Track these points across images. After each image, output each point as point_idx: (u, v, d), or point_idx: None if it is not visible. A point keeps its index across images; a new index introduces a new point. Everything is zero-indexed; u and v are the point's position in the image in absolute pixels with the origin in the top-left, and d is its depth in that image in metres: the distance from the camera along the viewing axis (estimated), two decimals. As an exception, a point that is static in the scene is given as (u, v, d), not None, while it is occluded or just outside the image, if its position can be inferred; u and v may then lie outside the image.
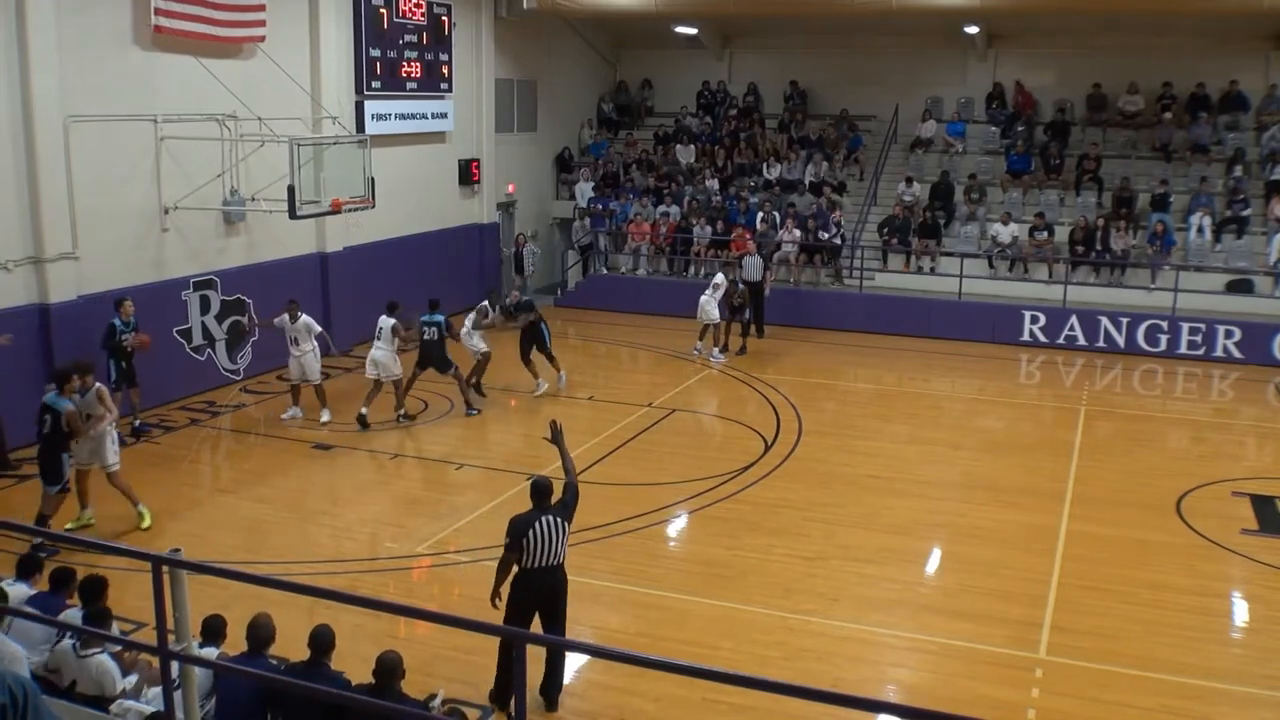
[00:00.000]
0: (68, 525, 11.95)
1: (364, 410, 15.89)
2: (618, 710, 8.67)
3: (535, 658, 8.20)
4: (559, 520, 8.40)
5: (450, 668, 9.02)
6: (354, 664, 7.20)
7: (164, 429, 15.61)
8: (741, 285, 20.51)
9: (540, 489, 8.52)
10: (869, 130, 26.96)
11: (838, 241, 23.55)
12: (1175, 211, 22.69)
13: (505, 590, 8.42)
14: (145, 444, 15.04)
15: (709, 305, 19.92)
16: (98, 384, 12.08)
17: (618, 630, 9.92)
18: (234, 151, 17.16)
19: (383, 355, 15.91)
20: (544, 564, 8.33)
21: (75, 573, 7.93)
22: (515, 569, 8.38)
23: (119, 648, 7.09)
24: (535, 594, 8.37)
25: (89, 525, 12.16)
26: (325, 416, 16.00)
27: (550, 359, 17.59)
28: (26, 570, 8.14)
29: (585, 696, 8.86)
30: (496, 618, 8.20)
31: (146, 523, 12.20)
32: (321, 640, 6.99)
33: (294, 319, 15.75)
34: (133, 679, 7.16)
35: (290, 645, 7.67)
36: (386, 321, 15.99)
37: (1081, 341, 21.21)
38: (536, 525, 8.28)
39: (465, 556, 11.51)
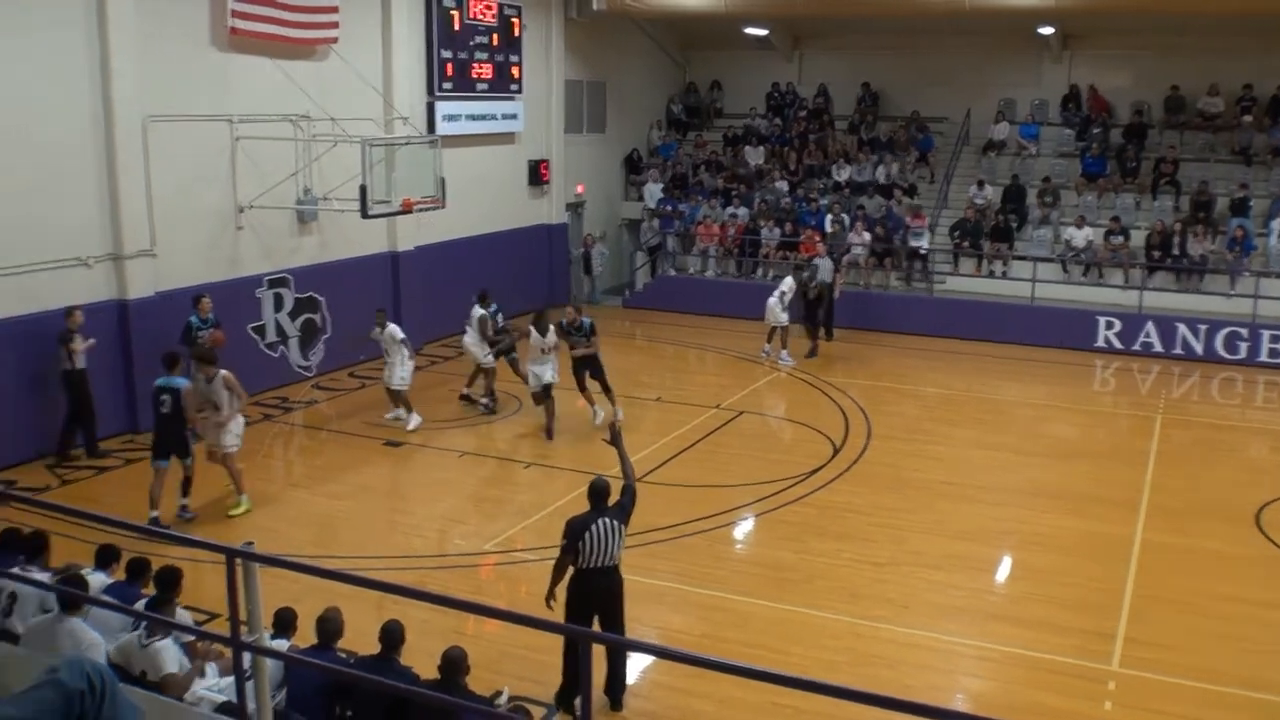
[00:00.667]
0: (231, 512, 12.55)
1: (465, 390, 17.01)
2: (680, 711, 8.65)
3: (598, 657, 8.22)
4: (615, 523, 8.39)
5: (517, 665, 9.05)
6: (421, 659, 7.24)
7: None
8: (817, 280, 20.39)
9: (598, 491, 8.52)
10: (940, 132, 26.67)
11: (923, 248, 23.32)
12: (1255, 216, 22.20)
13: (561, 592, 8.43)
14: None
15: (777, 308, 19.71)
16: (222, 371, 12.41)
17: (682, 631, 9.89)
18: (307, 151, 17.39)
19: (469, 340, 16.65)
20: (599, 565, 8.34)
21: (150, 562, 8.07)
22: (571, 570, 8.40)
23: (189, 636, 7.20)
24: (591, 595, 8.37)
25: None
26: (413, 423, 15.69)
27: (606, 390, 15.77)
28: (104, 560, 8.31)
29: (649, 697, 8.85)
30: (559, 618, 8.21)
31: (240, 510, 12.50)
32: (392, 635, 7.05)
33: (381, 328, 15.82)
34: (209, 666, 7.26)
35: (359, 639, 7.75)
36: (476, 311, 16.51)
37: (1158, 348, 20.80)
38: (594, 527, 8.29)
39: (532, 555, 11.54)
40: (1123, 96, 25.57)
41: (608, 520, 8.36)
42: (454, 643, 7.09)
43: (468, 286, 21.24)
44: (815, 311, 20.50)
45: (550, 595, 8.45)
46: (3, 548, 8.05)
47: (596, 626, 8.36)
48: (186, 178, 15.81)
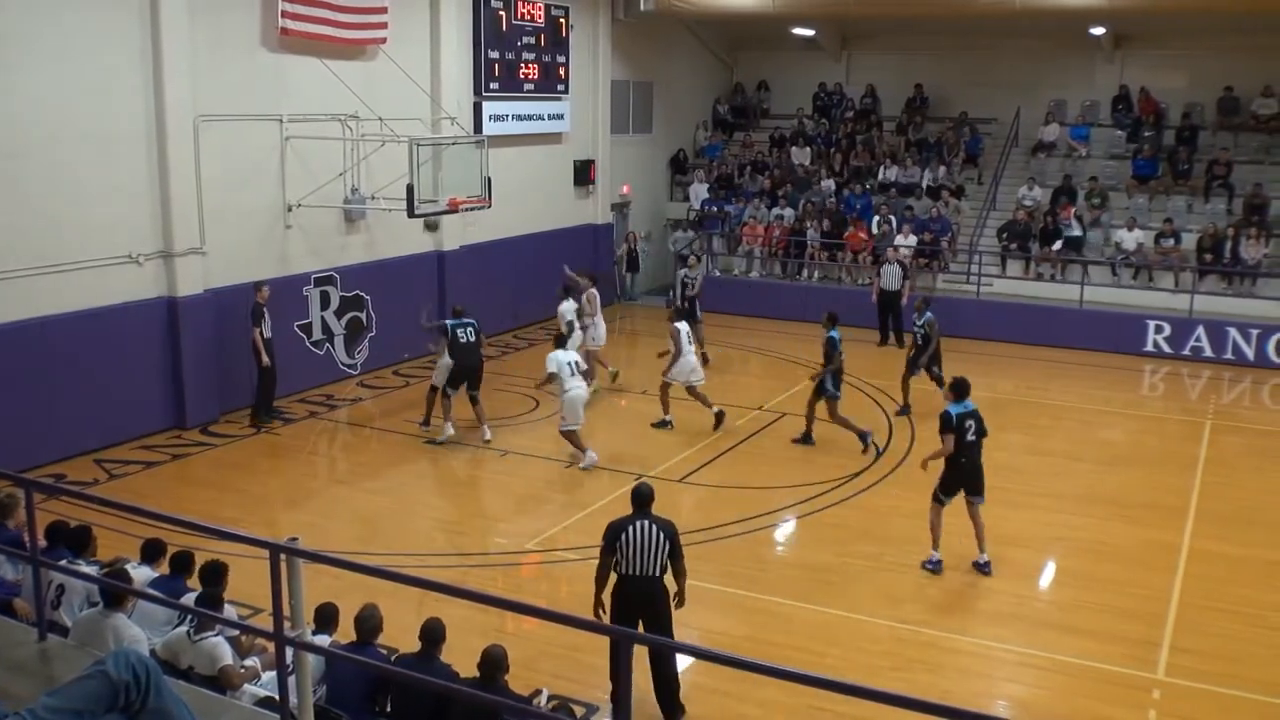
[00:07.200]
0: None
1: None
2: (721, 714, 8.63)
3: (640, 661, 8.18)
4: (660, 533, 8.16)
5: (556, 664, 9.07)
6: (461, 656, 7.27)
7: (284, 420, 15.99)
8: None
9: (640, 495, 8.36)
10: (989, 133, 26.42)
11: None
12: (1311, 219, 21.82)
13: (607, 600, 8.32)
14: (266, 435, 15.44)
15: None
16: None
17: (723, 633, 9.86)
18: (355, 151, 17.52)
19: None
20: (639, 573, 8.15)
21: (194, 556, 8.15)
22: (614, 577, 8.28)
23: (234, 631, 7.26)
24: (632, 601, 8.21)
25: None
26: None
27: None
28: (150, 554, 8.39)
29: (689, 699, 8.81)
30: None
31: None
32: (433, 633, 7.07)
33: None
34: (252, 660, 7.33)
35: (401, 636, 7.79)
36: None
37: (1208, 353, 20.50)
38: (630, 529, 8.14)
39: (574, 554, 11.56)
40: (1175, 97, 25.18)
41: (649, 526, 8.17)
42: (494, 640, 7.11)
43: (514, 286, 21.36)
44: (886, 318, 20.87)
45: (597, 602, 8.32)
46: (50, 540, 8.16)
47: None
48: (236, 177, 15.96)
